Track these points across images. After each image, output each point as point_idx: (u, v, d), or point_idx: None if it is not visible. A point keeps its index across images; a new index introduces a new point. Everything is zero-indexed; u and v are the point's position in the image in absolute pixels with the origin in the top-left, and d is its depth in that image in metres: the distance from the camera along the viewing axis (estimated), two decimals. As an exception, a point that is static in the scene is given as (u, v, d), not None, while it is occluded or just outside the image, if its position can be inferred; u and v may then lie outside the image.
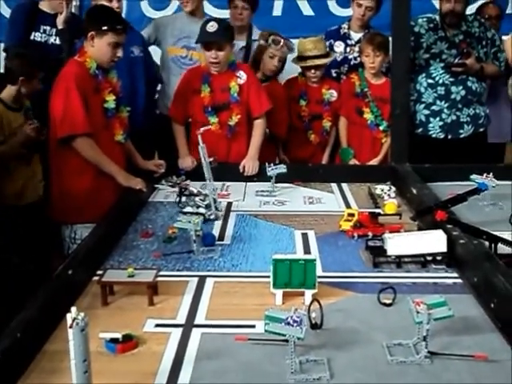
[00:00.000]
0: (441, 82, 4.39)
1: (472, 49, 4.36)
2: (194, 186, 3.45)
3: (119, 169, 3.46)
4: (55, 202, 3.53)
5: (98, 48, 3.41)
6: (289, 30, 5.13)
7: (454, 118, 4.41)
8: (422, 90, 4.41)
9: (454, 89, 4.37)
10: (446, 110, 4.40)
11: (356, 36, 4.66)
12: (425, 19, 4.47)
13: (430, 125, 4.44)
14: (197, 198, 3.26)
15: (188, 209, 3.11)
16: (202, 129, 3.27)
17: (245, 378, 1.70)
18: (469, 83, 4.38)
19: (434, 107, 4.41)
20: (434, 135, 4.45)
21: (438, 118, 4.43)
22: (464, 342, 1.87)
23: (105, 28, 3.38)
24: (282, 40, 4.35)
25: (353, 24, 4.69)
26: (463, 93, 4.38)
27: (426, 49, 4.37)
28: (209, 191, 3.18)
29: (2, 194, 3.84)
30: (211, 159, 3.23)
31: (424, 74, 4.40)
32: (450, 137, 4.43)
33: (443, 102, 4.39)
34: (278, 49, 4.32)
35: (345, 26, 4.71)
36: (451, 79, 4.37)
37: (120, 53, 3.49)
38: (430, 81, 4.40)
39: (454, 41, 4.38)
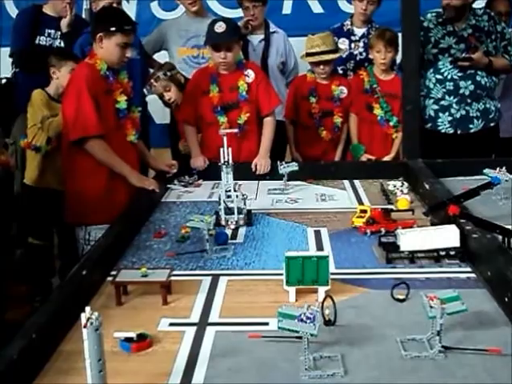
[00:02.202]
0: (449, 77, 4.36)
1: (481, 43, 4.32)
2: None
3: (131, 169, 3.48)
4: (69, 203, 3.55)
5: (106, 49, 3.43)
6: (298, 28, 5.17)
7: (463, 112, 4.39)
8: (431, 85, 4.39)
9: (462, 84, 4.35)
10: (454, 105, 4.38)
11: (359, 31, 4.68)
12: (434, 14, 4.45)
13: (439, 120, 4.42)
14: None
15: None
16: (227, 130, 3.20)
17: (259, 375, 1.71)
18: (478, 78, 4.34)
19: (442, 102, 4.39)
20: (443, 130, 4.43)
21: (447, 113, 4.41)
22: (478, 336, 1.86)
23: (113, 29, 3.40)
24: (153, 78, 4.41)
25: (355, 20, 4.71)
26: (472, 87, 4.35)
27: (435, 44, 4.34)
28: (222, 197, 2.98)
29: (42, 177, 4.11)
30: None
31: (432, 70, 4.38)
32: (459, 132, 4.42)
33: (452, 97, 4.37)
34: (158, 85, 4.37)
35: (347, 22, 4.73)
36: (459, 74, 4.34)
37: (129, 53, 3.51)
38: (439, 76, 4.38)
39: (463, 35, 4.35)
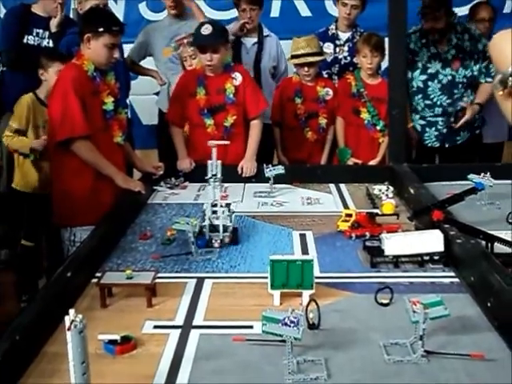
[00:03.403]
0: (438, 103, 4.46)
1: (466, 68, 4.36)
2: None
3: (118, 171, 3.47)
4: (55, 204, 3.54)
5: (94, 50, 3.42)
6: (286, 31, 5.16)
7: (452, 122, 4.47)
8: (419, 108, 4.46)
9: (450, 109, 4.47)
10: (441, 123, 4.46)
11: (344, 36, 4.72)
12: (417, 34, 4.49)
13: (426, 134, 4.52)
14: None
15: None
16: (214, 142, 2.91)
17: (243, 378, 1.71)
18: (465, 99, 4.47)
19: (429, 118, 4.47)
20: (429, 144, 4.53)
21: (433, 128, 4.51)
22: (461, 341, 1.88)
23: (101, 30, 3.40)
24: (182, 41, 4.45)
25: (340, 24, 4.74)
26: (459, 108, 4.46)
27: (423, 69, 4.34)
28: (207, 213, 2.78)
29: (28, 182, 4.12)
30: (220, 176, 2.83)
31: (421, 95, 4.43)
32: (447, 145, 4.50)
33: (439, 118, 4.44)
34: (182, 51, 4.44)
35: (332, 26, 4.77)
36: (448, 101, 4.44)
37: (117, 54, 3.52)
38: (428, 102, 4.48)
39: (447, 58, 4.40)
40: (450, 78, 4.39)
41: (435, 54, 4.40)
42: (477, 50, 4.39)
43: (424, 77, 4.36)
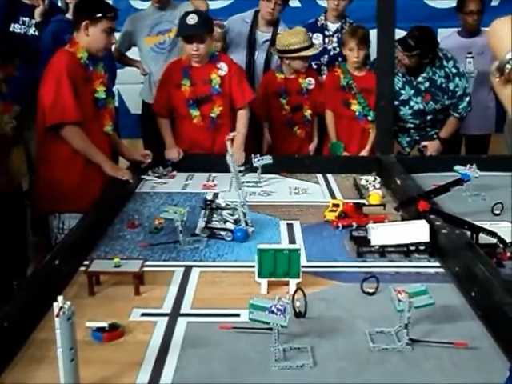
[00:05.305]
0: (411, 124, 4.51)
1: (436, 102, 4.42)
2: (222, 199, 3.03)
3: (106, 159, 3.47)
4: (42, 190, 3.52)
5: (93, 36, 3.43)
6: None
7: (422, 133, 4.55)
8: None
9: (422, 125, 4.53)
10: (413, 131, 4.53)
11: (333, 27, 4.72)
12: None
13: (398, 139, 4.55)
14: (224, 212, 2.83)
15: (215, 224, 2.76)
16: (231, 134, 2.92)
17: (229, 365, 1.73)
18: (438, 116, 4.53)
19: (402, 124, 4.51)
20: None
21: (405, 134, 4.56)
22: (445, 330, 1.91)
23: (99, 15, 3.42)
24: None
25: (329, 15, 4.74)
26: (431, 123, 4.54)
27: (396, 95, 4.36)
28: (239, 204, 2.79)
29: None
30: (242, 168, 2.86)
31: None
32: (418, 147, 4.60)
33: (413, 131, 4.55)
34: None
35: (321, 17, 4.77)
36: (420, 123, 4.50)
37: (114, 39, 3.57)
38: (401, 124, 4.53)
39: (420, 88, 4.43)
40: (420, 106, 4.44)
41: (408, 82, 4.44)
42: (448, 88, 4.41)
43: (396, 102, 4.34)
